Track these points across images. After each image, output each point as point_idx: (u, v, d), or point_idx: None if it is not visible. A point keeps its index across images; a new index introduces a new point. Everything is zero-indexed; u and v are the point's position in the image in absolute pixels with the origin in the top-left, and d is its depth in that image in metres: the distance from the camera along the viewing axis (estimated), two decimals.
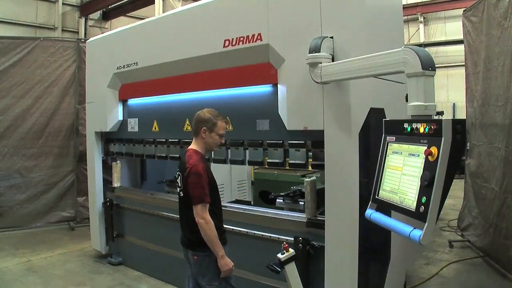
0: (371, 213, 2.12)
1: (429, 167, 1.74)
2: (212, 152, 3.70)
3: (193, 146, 2.78)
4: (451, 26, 14.23)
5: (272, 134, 3.28)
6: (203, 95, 3.78)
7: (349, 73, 2.46)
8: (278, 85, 3.12)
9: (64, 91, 6.73)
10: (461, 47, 6.50)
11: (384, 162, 2.08)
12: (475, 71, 5.19)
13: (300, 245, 3.00)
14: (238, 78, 3.42)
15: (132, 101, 4.67)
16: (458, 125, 1.72)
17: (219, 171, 5.11)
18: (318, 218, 3.05)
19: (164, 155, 4.23)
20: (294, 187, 3.92)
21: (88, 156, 5.21)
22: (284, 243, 2.70)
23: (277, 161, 3.28)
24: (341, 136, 2.75)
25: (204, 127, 2.70)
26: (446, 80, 14.08)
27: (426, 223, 1.69)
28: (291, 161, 3.19)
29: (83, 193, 6.29)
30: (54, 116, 6.67)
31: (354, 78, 2.50)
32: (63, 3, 12.51)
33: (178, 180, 2.78)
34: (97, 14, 13.37)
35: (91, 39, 5.27)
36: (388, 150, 2.07)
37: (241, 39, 3.25)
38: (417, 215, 1.76)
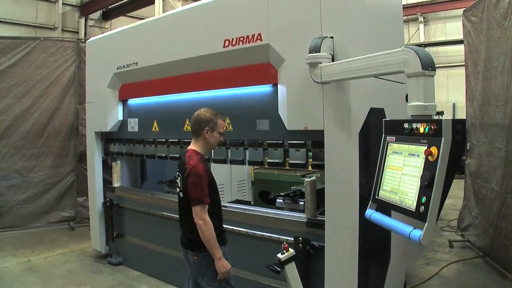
0: (371, 213, 2.12)
1: (429, 167, 1.73)
2: (212, 152, 3.70)
3: (192, 146, 2.78)
4: (451, 26, 14.23)
5: (272, 134, 3.28)
6: (203, 95, 3.78)
7: (349, 73, 2.46)
8: (278, 85, 3.12)
9: (64, 91, 6.73)
10: (461, 47, 6.50)
11: (384, 162, 2.08)
12: (475, 71, 5.19)
13: (300, 245, 3.00)
14: (238, 78, 3.42)
15: (132, 101, 4.67)
16: (458, 125, 1.72)
17: (219, 171, 5.12)
18: (318, 218, 3.05)
19: (164, 155, 4.23)
20: (294, 187, 3.92)
21: (88, 156, 5.21)
22: (284, 243, 2.70)
23: (277, 161, 3.28)
24: (341, 136, 2.75)
25: (206, 127, 2.72)
26: (446, 80, 14.08)
27: (426, 223, 1.69)
28: (291, 161, 3.19)
29: (83, 193, 6.28)
30: (54, 116, 6.67)
31: (354, 78, 2.50)
32: (63, 3, 12.51)
33: (178, 181, 2.78)
34: (97, 14, 13.38)
35: (91, 39, 5.27)
36: (388, 150, 2.07)
37: (241, 39, 3.25)
38: (417, 215, 1.76)
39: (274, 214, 3.38)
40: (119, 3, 12.27)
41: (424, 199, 1.73)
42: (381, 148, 2.11)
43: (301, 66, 2.81)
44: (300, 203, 3.59)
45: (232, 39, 3.31)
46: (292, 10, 2.97)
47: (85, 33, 12.89)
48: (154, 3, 11.00)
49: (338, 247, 2.80)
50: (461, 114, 11.86)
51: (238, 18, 3.31)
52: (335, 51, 2.73)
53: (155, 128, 4.33)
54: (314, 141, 2.99)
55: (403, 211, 1.87)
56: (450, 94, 14.13)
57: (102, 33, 6.40)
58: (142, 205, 4.57)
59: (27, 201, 6.46)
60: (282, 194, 3.83)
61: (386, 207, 2.04)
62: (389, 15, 3.43)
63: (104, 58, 4.78)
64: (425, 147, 1.77)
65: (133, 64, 4.32)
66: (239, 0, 3.36)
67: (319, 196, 3.04)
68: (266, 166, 3.96)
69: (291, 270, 2.64)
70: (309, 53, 2.68)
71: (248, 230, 3.47)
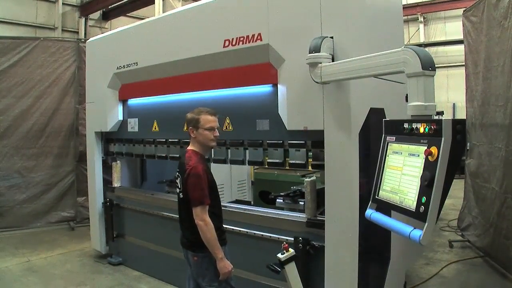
0: (371, 213, 2.12)
1: (429, 167, 1.73)
2: (212, 152, 3.70)
3: (190, 146, 2.79)
4: (451, 26, 14.23)
5: (272, 134, 3.28)
6: (203, 95, 3.78)
7: (349, 73, 2.46)
8: (278, 85, 3.12)
9: (64, 91, 6.73)
10: (461, 47, 6.50)
11: (384, 162, 2.08)
12: (475, 71, 5.19)
13: (300, 245, 3.00)
14: (238, 78, 3.42)
15: (132, 101, 4.67)
16: (458, 125, 1.72)
17: (219, 171, 5.12)
18: (318, 218, 3.05)
19: (164, 155, 4.23)
20: (294, 187, 3.92)
21: (88, 156, 5.21)
22: (284, 243, 2.70)
23: (277, 161, 3.28)
24: (341, 136, 2.75)
25: (190, 127, 2.73)
26: (446, 80, 14.08)
27: (426, 223, 1.69)
28: (291, 161, 3.19)
29: (83, 193, 6.28)
30: (54, 116, 6.67)
31: (354, 78, 2.50)
32: (63, 3, 12.51)
33: (178, 181, 2.78)
34: (97, 14, 13.38)
35: (91, 39, 5.27)
36: (388, 150, 2.07)
37: (241, 39, 3.25)
38: (417, 215, 1.76)
39: (274, 214, 3.38)
40: (119, 3, 12.27)
41: (424, 199, 1.73)
42: (381, 148, 2.11)
43: (301, 66, 2.81)
44: (300, 203, 3.59)
45: (232, 39, 3.31)
46: (292, 10, 2.97)
47: (85, 33, 12.89)
48: (154, 3, 11.01)
49: (338, 247, 2.80)
50: (461, 114, 11.86)
51: (238, 18, 3.31)
52: (335, 51, 2.73)
53: (155, 128, 4.33)
54: (314, 141, 2.99)
55: (403, 211, 1.87)
56: (450, 94, 14.13)
57: (102, 33, 6.39)
58: (142, 205, 4.57)
59: (27, 201, 6.46)
60: (282, 194, 3.83)
61: (386, 207, 2.04)
62: (389, 15, 3.43)
63: (104, 58, 4.78)
64: (425, 147, 1.77)
65: (133, 64, 4.32)
66: (239, 0, 3.36)
67: (319, 196, 3.04)
68: (266, 166, 3.96)
69: (291, 270, 2.64)
70: (309, 53, 2.68)
71: (248, 230, 3.47)
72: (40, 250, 5.41)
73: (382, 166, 2.09)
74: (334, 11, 2.78)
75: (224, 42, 3.36)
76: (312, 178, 3.18)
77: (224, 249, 2.69)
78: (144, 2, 11.97)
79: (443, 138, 1.70)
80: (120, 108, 4.73)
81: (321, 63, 2.65)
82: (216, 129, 2.76)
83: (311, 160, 3.12)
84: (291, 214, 3.39)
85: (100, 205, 5.01)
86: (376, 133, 2.39)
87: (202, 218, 2.54)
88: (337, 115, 2.76)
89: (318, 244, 2.95)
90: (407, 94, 2.03)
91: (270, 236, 3.30)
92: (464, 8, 5.75)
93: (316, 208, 3.09)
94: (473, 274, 4.39)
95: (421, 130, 1.83)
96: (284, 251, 2.63)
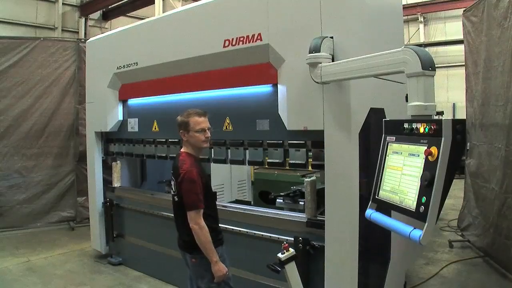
0: (371, 213, 2.12)
1: (429, 167, 1.73)
2: (212, 152, 3.71)
3: (184, 149, 2.79)
4: (451, 26, 14.22)
5: (272, 134, 3.28)
6: (203, 95, 3.78)
7: (349, 73, 2.46)
8: (278, 85, 3.12)
9: (64, 91, 6.73)
10: (461, 47, 6.50)
11: (384, 162, 2.07)
12: (475, 71, 5.19)
13: (300, 245, 3.00)
14: (238, 78, 3.42)
15: (132, 101, 4.67)
16: (458, 125, 1.72)
17: (219, 171, 5.12)
18: (318, 218, 3.05)
19: (164, 155, 4.23)
20: (294, 187, 3.92)
21: (88, 156, 5.21)
22: (284, 243, 2.70)
23: (277, 161, 3.28)
24: (341, 136, 2.75)
25: (181, 131, 2.73)
26: (446, 80, 14.07)
27: (426, 223, 1.69)
28: (291, 161, 3.19)
29: (83, 193, 6.28)
30: (54, 116, 6.67)
31: (354, 78, 2.50)
32: (63, 3, 12.51)
33: (172, 185, 2.77)
34: (97, 14, 13.37)
35: (91, 39, 5.27)
36: (388, 150, 2.07)
37: (241, 39, 3.25)
38: (417, 215, 1.76)
39: (274, 214, 3.38)
40: (119, 3, 12.26)
41: (424, 199, 1.73)
42: (381, 148, 2.11)
43: (301, 66, 2.81)
44: (300, 203, 3.59)
45: (232, 39, 3.31)
46: (292, 10, 2.97)
47: (85, 33, 12.88)
48: (154, 3, 11.00)
49: (338, 247, 2.80)
50: (461, 114, 11.84)
51: (238, 18, 3.31)
52: (335, 51, 2.73)
53: (155, 128, 4.33)
54: (314, 141, 2.99)
55: (403, 211, 1.87)
56: (450, 94, 14.12)
57: (102, 33, 6.39)
58: (142, 205, 4.57)
59: (27, 201, 6.46)
60: (282, 194, 3.83)
61: (386, 207, 2.04)
62: (389, 15, 3.43)
63: (104, 58, 4.78)
64: (425, 147, 1.77)
65: (133, 64, 4.32)
66: (239, 0, 3.36)
67: (319, 196, 3.04)
68: (266, 166, 3.96)
69: (291, 270, 2.64)
70: (309, 53, 2.68)
71: (248, 230, 3.47)
72: (40, 250, 5.41)
73: (382, 166, 2.09)
74: (334, 11, 2.78)
75: (224, 42, 3.36)
76: (312, 178, 3.18)
77: (221, 249, 2.71)
78: (144, 2, 11.97)
79: (443, 138, 1.70)
80: (120, 108, 4.73)
81: (321, 63, 2.64)
82: (207, 130, 2.73)
83: (311, 160, 3.12)
84: (291, 214, 3.39)
85: (100, 205, 5.01)
86: (376, 133, 2.39)
87: (196, 222, 2.55)
88: (337, 115, 2.76)
89: (318, 244, 2.95)
90: (407, 94, 2.03)
91: (270, 236, 3.30)
92: (464, 8, 5.75)
93: (316, 208, 3.09)
94: (473, 274, 4.39)
95: (421, 130, 1.83)
96: (284, 251, 2.63)
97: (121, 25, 7.83)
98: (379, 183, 2.09)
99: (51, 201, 6.65)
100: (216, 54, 3.45)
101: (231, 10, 3.40)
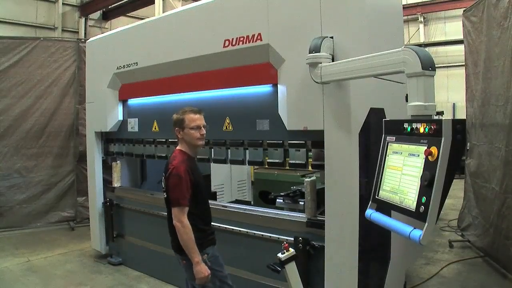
0: (371, 213, 2.12)
1: (429, 167, 1.73)
2: (212, 152, 3.71)
3: (179, 147, 2.75)
4: (451, 26, 14.23)
5: (272, 134, 3.28)
6: (203, 95, 3.78)
7: (349, 73, 2.46)
8: (278, 85, 3.12)
9: (64, 91, 6.73)
10: (461, 47, 6.50)
11: (384, 162, 2.07)
12: (475, 71, 5.19)
13: (300, 245, 3.00)
14: (238, 78, 3.42)
15: (132, 101, 4.67)
16: (458, 125, 1.72)
17: (219, 171, 5.12)
18: (318, 218, 3.05)
19: (164, 155, 4.22)
20: (294, 187, 3.92)
21: (88, 156, 5.21)
22: (284, 243, 2.70)
23: (277, 161, 3.28)
24: (341, 136, 2.75)
25: (176, 128, 2.69)
26: (446, 80, 14.08)
27: (426, 223, 1.69)
28: (291, 161, 3.19)
29: (83, 193, 6.28)
30: (54, 116, 6.67)
31: (354, 78, 2.50)
32: (63, 3, 12.51)
33: (162, 181, 2.73)
34: (97, 14, 13.37)
35: (91, 39, 5.27)
36: (388, 150, 2.07)
37: (241, 39, 3.25)
38: (417, 215, 1.75)
39: (274, 214, 3.38)
40: (119, 3, 12.26)
41: (424, 199, 1.73)
42: (381, 148, 2.11)
43: (301, 66, 2.81)
44: (300, 203, 3.59)
45: (232, 39, 3.31)
46: (292, 10, 2.97)
47: (85, 33, 12.88)
48: (154, 3, 11.00)
49: (338, 247, 2.80)
50: (461, 114, 11.86)
51: (238, 18, 3.31)
52: (335, 51, 2.73)
53: (155, 128, 4.33)
54: (314, 141, 2.99)
55: (403, 211, 1.87)
56: (450, 94, 14.13)
57: (102, 33, 6.40)
58: (142, 205, 4.57)
59: (27, 201, 6.47)
60: (282, 194, 3.83)
61: (386, 207, 2.04)
62: (389, 15, 3.43)
63: (104, 58, 4.78)
64: (425, 147, 1.77)
65: (133, 64, 4.32)
66: (239, 0, 3.36)
67: (319, 196, 3.04)
68: (266, 166, 3.96)
69: (291, 270, 2.64)
70: (309, 53, 2.68)
71: (248, 230, 3.47)
72: (40, 250, 5.41)
73: (382, 166, 2.09)
74: (334, 11, 2.78)
75: (224, 42, 3.36)
76: (312, 178, 3.18)
77: (212, 249, 2.68)
78: (144, 2, 11.97)
79: (443, 138, 1.70)
80: (120, 108, 4.73)
81: (321, 63, 2.64)
82: (203, 127, 2.70)
83: (311, 160, 3.12)
84: (291, 214, 3.39)
85: (100, 205, 5.01)
86: (376, 133, 2.39)
87: (179, 219, 2.51)
88: (337, 115, 2.76)
89: (318, 244, 2.95)
90: (407, 94, 2.03)
91: (270, 236, 3.30)
92: (464, 8, 5.75)
93: (316, 208, 3.09)
94: (473, 274, 4.39)
95: (421, 130, 1.83)
96: (284, 251, 2.63)
97: (121, 25, 7.84)
98: (379, 183, 2.09)
99: (51, 201, 6.65)
100: (216, 54, 3.45)
101: (231, 10, 3.40)
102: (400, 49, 2.07)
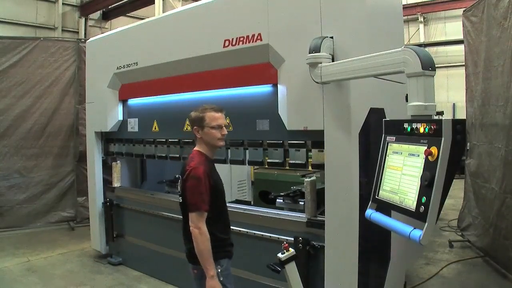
0: (371, 213, 2.12)
1: (429, 167, 1.73)
2: None
3: (197, 147, 2.56)
4: (451, 26, 14.23)
5: (272, 134, 3.28)
6: (203, 95, 3.78)
7: (349, 73, 2.46)
8: (278, 85, 3.12)
9: (64, 91, 6.73)
10: (461, 47, 6.50)
11: (384, 162, 2.07)
12: (475, 71, 5.19)
13: (300, 245, 3.01)
14: (238, 78, 3.42)
15: (132, 101, 4.67)
16: (458, 125, 1.72)
17: (219, 171, 5.11)
18: (318, 218, 3.05)
19: (164, 155, 4.23)
20: (294, 187, 3.92)
21: (88, 156, 5.21)
22: (284, 243, 2.70)
23: (277, 161, 3.28)
24: (341, 136, 2.75)
25: (194, 127, 2.50)
26: (446, 80, 14.07)
27: (426, 223, 1.69)
28: (291, 161, 3.19)
29: (83, 193, 6.28)
30: (54, 116, 6.67)
31: (354, 78, 2.50)
32: (63, 3, 12.50)
33: (178, 184, 2.56)
34: (97, 14, 13.37)
35: (91, 39, 5.27)
36: (388, 150, 2.07)
37: (241, 39, 3.25)
38: (417, 215, 1.75)
39: (274, 214, 3.38)
40: (119, 3, 12.26)
41: (424, 199, 1.73)
42: (381, 148, 2.11)
43: (301, 66, 2.81)
44: (300, 203, 3.59)
45: (232, 39, 3.31)
46: (292, 10, 2.97)
47: (85, 33, 12.88)
48: (154, 3, 11.00)
49: (338, 247, 2.80)
50: (461, 114, 11.85)
51: (238, 18, 3.31)
52: (335, 51, 2.73)
53: (155, 128, 4.33)
54: (314, 141, 2.99)
55: (403, 211, 1.87)
56: (450, 94, 14.13)
57: (102, 33, 6.39)
58: (142, 205, 4.57)
59: (27, 201, 6.47)
60: (282, 194, 3.83)
61: (386, 207, 2.04)
62: (389, 15, 3.43)
63: (104, 58, 4.78)
64: (425, 147, 1.77)
65: (133, 64, 4.32)
66: (239, 0, 3.36)
67: (319, 196, 3.04)
68: (266, 166, 3.96)
69: (291, 270, 2.64)
70: (309, 53, 2.68)
71: (248, 230, 3.47)
72: (40, 250, 5.41)
73: (382, 166, 2.09)
74: (334, 11, 2.78)
75: (224, 42, 3.36)
76: (312, 178, 3.18)
77: (227, 262, 2.47)
78: (144, 2, 11.96)
79: (443, 138, 1.70)
80: (120, 108, 4.73)
81: (321, 63, 2.65)
82: (224, 127, 2.52)
83: (311, 160, 3.12)
84: (291, 214, 3.39)
85: (100, 205, 5.00)
86: (376, 133, 2.39)
87: (197, 225, 2.29)
88: (337, 115, 2.76)
89: (318, 244, 2.95)
90: (407, 94, 2.03)
91: (270, 236, 3.30)
92: (464, 8, 5.75)
93: (316, 208, 3.09)
94: (473, 274, 4.39)
95: (421, 130, 1.83)
96: (284, 251, 2.62)
97: (121, 25, 7.82)
98: (379, 183, 2.09)
99: (51, 201, 6.65)
100: (216, 54, 3.45)
101: (231, 10, 3.40)
102: (400, 49, 2.07)
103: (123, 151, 4.79)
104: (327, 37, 2.72)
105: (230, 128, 3.55)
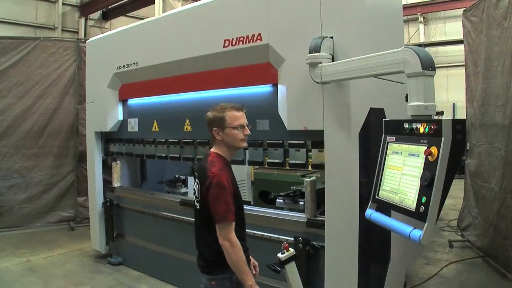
0: (371, 213, 2.12)
1: (429, 167, 1.73)
2: None
3: (215, 149, 2.35)
4: (451, 26, 14.22)
5: (272, 134, 3.28)
6: (203, 95, 3.78)
7: (349, 73, 2.46)
8: (278, 85, 3.12)
9: (64, 91, 6.73)
10: (461, 47, 6.50)
11: (384, 162, 2.07)
12: (475, 71, 5.19)
13: (300, 245, 3.01)
14: (238, 78, 3.42)
15: (132, 101, 4.67)
16: (458, 125, 1.72)
17: None
18: (318, 218, 3.05)
19: (164, 155, 4.23)
20: (294, 187, 3.92)
21: (88, 156, 5.21)
22: (284, 242, 2.70)
23: (277, 161, 3.28)
24: (341, 136, 2.75)
25: (214, 128, 2.29)
26: (446, 80, 14.08)
27: (426, 223, 1.69)
28: (291, 161, 3.19)
29: (83, 193, 6.29)
30: (54, 116, 6.67)
31: (354, 78, 2.50)
32: (63, 3, 12.51)
33: (196, 189, 2.36)
34: (97, 14, 13.37)
35: (91, 39, 5.27)
36: (388, 150, 2.07)
37: (241, 39, 3.25)
38: (417, 215, 1.75)
39: (274, 214, 3.38)
40: (119, 3, 12.26)
41: (424, 199, 1.73)
42: (381, 148, 2.11)
43: (301, 66, 2.81)
44: (300, 203, 3.58)
45: (232, 39, 3.31)
46: (292, 10, 2.97)
47: (85, 33, 12.89)
48: (154, 3, 11.00)
49: (338, 247, 2.80)
50: (461, 114, 11.85)
51: (238, 18, 3.31)
52: (335, 51, 2.73)
53: (155, 128, 4.33)
54: (314, 141, 2.99)
55: (403, 211, 1.87)
56: (450, 94, 14.13)
57: (102, 33, 6.39)
58: (142, 205, 4.57)
59: (27, 201, 6.47)
60: (282, 194, 3.83)
61: (386, 207, 2.04)
62: (389, 15, 3.43)
63: (104, 58, 4.78)
64: (425, 147, 1.77)
65: (133, 64, 4.32)
66: (239, 0, 3.36)
67: (319, 196, 3.04)
68: (266, 166, 3.96)
69: (291, 270, 2.64)
70: (309, 53, 2.68)
71: (248, 230, 3.44)
72: (40, 250, 5.41)
73: (382, 166, 2.09)
74: (334, 11, 2.78)
75: (224, 42, 3.36)
76: (312, 178, 3.18)
77: None
78: (144, 2, 11.97)
79: (443, 138, 1.70)
80: (120, 108, 4.73)
81: (321, 63, 2.65)
82: (246, 126, 2.33)
83: (311, 160, 3.12)
84: (291, 214, 3.39)
85: (100, 205, 5.00)
86: (376, 133, 2.39)
87: (227, 237, 2.12)
88: (337, 115, 2.76)
89: (318, 244, 2.95)
90: (407, 94, 2.03)
91: (270, 236, 3.30)
92: (464, 8, 5.75)
93: (316, 208, 3.09)
94: (473, 274, 4.39)
95: (421, 130, 1.83)
96: (284, 250, 2.62)
97: (121, 25, 7.82)
98: (379, 183, 2.09)
99: (51, 201, 6.65)
100: (216, 54, 3.45)
101: (231, 10, 3.40)
102: (400, 49, 2.07)
103: (123, 151, 4.79)
104: (327, 37, 2.72)
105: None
